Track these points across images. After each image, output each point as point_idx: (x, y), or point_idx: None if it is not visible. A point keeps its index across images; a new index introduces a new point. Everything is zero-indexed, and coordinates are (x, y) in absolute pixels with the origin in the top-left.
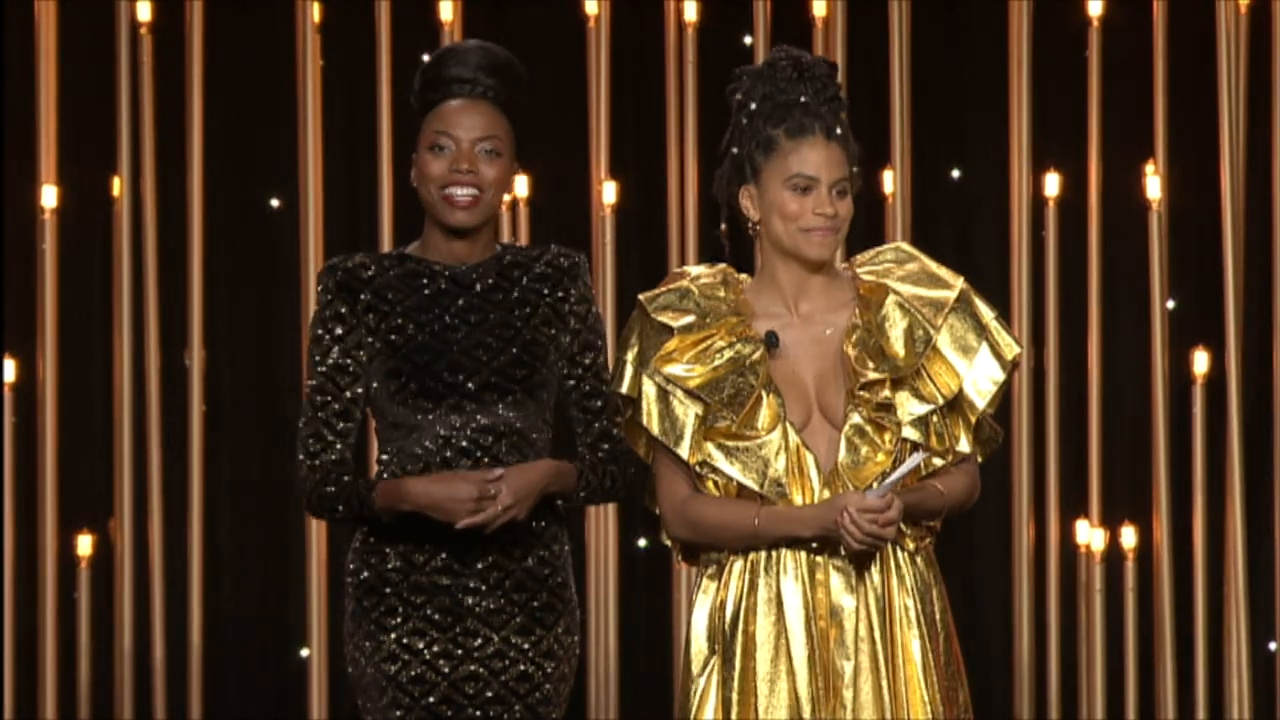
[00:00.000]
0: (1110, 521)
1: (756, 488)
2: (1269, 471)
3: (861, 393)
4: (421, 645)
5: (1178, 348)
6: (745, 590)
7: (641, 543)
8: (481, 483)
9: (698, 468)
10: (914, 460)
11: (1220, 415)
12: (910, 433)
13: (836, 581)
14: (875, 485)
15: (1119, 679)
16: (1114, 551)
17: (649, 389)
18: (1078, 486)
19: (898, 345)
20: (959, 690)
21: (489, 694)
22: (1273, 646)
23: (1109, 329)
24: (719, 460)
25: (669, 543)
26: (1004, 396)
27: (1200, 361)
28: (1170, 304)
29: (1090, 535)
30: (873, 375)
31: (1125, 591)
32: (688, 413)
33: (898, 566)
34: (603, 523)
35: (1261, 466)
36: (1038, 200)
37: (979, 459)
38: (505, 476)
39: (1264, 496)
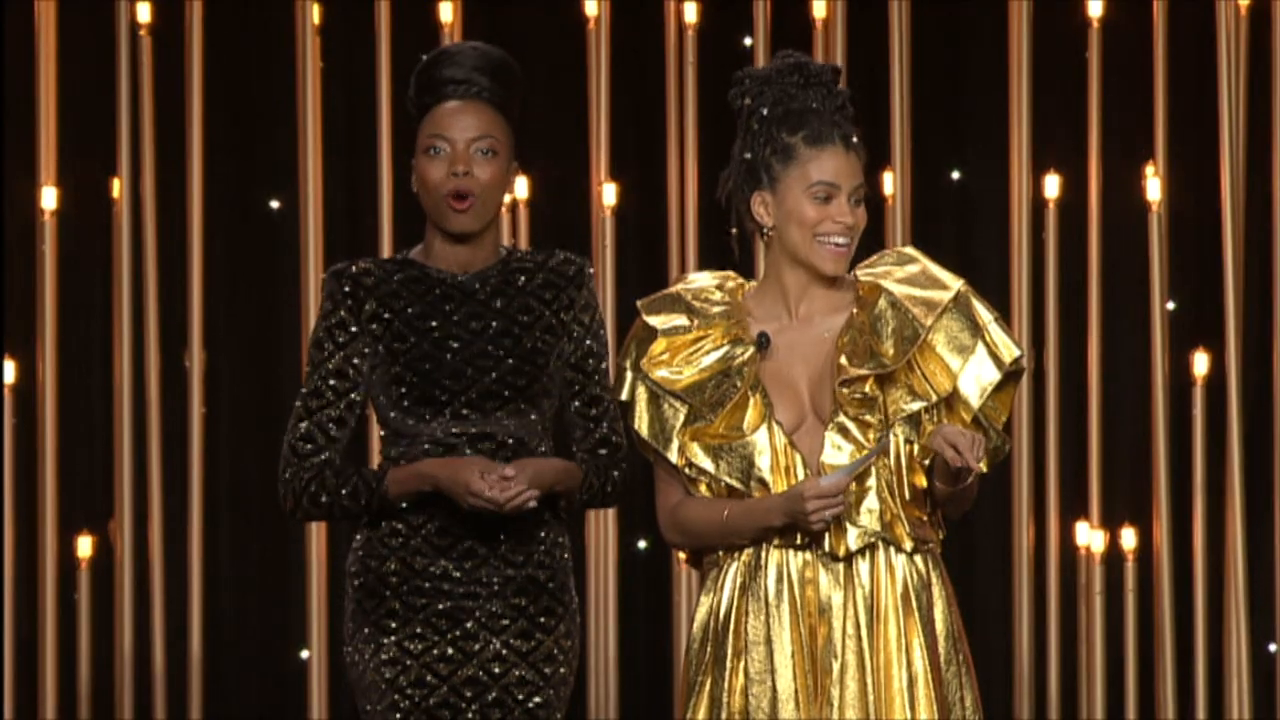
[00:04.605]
0: (1110, 523)
1: (741, 487)
2: (1269, 473)
3: (842, 389)
4: (421, 648)
5: (1178, 349)
6: (738, 591)
7: (641, 544)
8: (486, 468)
9: (686, 469)
10: (878, 448)
11: (1220, 417)
12: (902, 429)
13: (825, 580)
14: (864, 465)
15: (1119, 680)
16: (1114, 553)
17: (641, 392)
18: (1078, 488)
19: (887, 344)
20: (965, 691)
21: (489, 697)
22: (1273, 648)
23: (1109, 330)
24: (703, 461)
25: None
26: None
27: (1200, 363)
28: (1170, 305)
29: (1090, 536)
30: (854, 372)
31: (1125, 593)
32: (676, 415)
33: (890, 565)
34: (603, 524)
35: (1261, 468)
36: (1038, 201)
37: (983, 467)
38: (523, 466)
39: (1264, 498)
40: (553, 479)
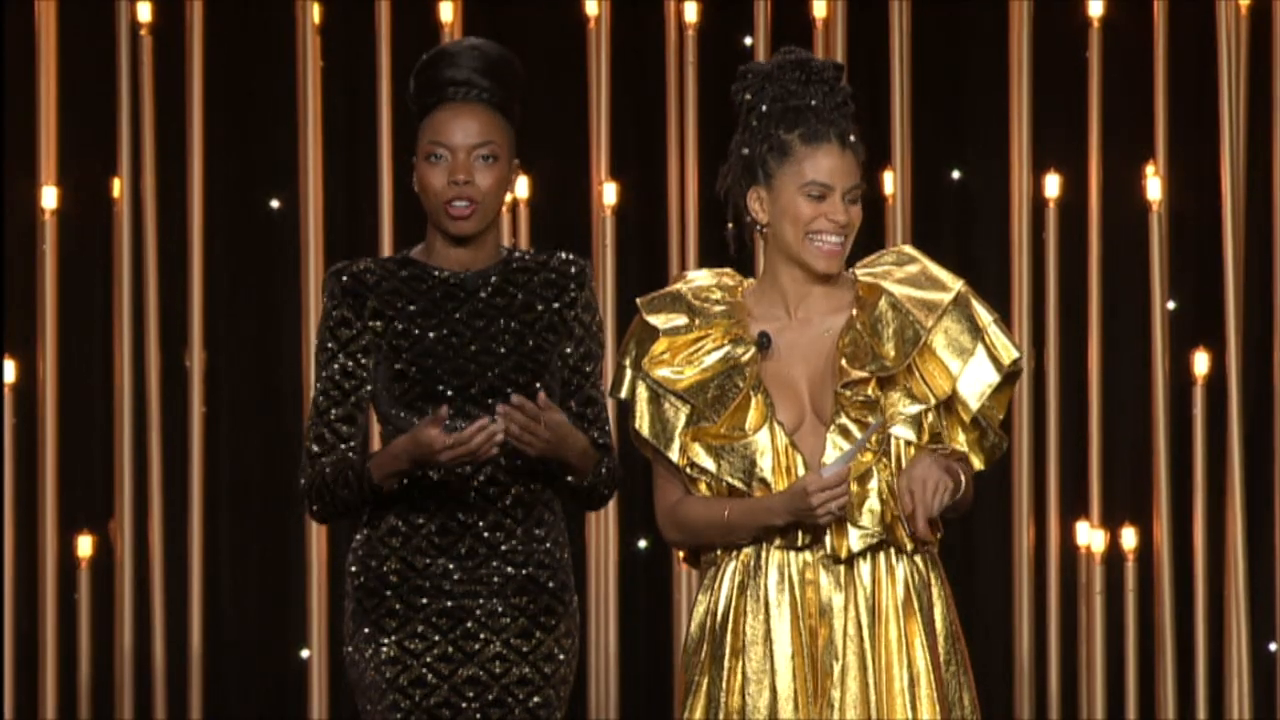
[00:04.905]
0: (1110, 522)
1: (742, 487)
2: (1269, 472)
3: (844, 391)
4: (421, 648)
5: (1178, 349)
6: (736, 591)
7: (641, 544)
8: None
9: (687, 469)
10: (871, 429)
11: (1220, 416)
12: (901, 431)
13: (826, 581)
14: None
15: (1119, 680)
16: (1114, 552)
17: (641, 391)
18: (1078, 488)
19: (888, 345)
20: (963, 691)
21: (489, 697)
22: (1273, 647)
23: (1109, 330)
24: (705, 460)
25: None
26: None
27: (1200, 362)
28: (1170, 305)
29: (1090, 536)
30: (856, 374)
31: (1125, 592)
32: (678, 415)
33: (890, 566)
34: (603, 523)
35: (1262, 467)
36: (1038, 201)
37: (980, 465)
38: (555, 423)
39: (1264, 497)
40: (571, 443)
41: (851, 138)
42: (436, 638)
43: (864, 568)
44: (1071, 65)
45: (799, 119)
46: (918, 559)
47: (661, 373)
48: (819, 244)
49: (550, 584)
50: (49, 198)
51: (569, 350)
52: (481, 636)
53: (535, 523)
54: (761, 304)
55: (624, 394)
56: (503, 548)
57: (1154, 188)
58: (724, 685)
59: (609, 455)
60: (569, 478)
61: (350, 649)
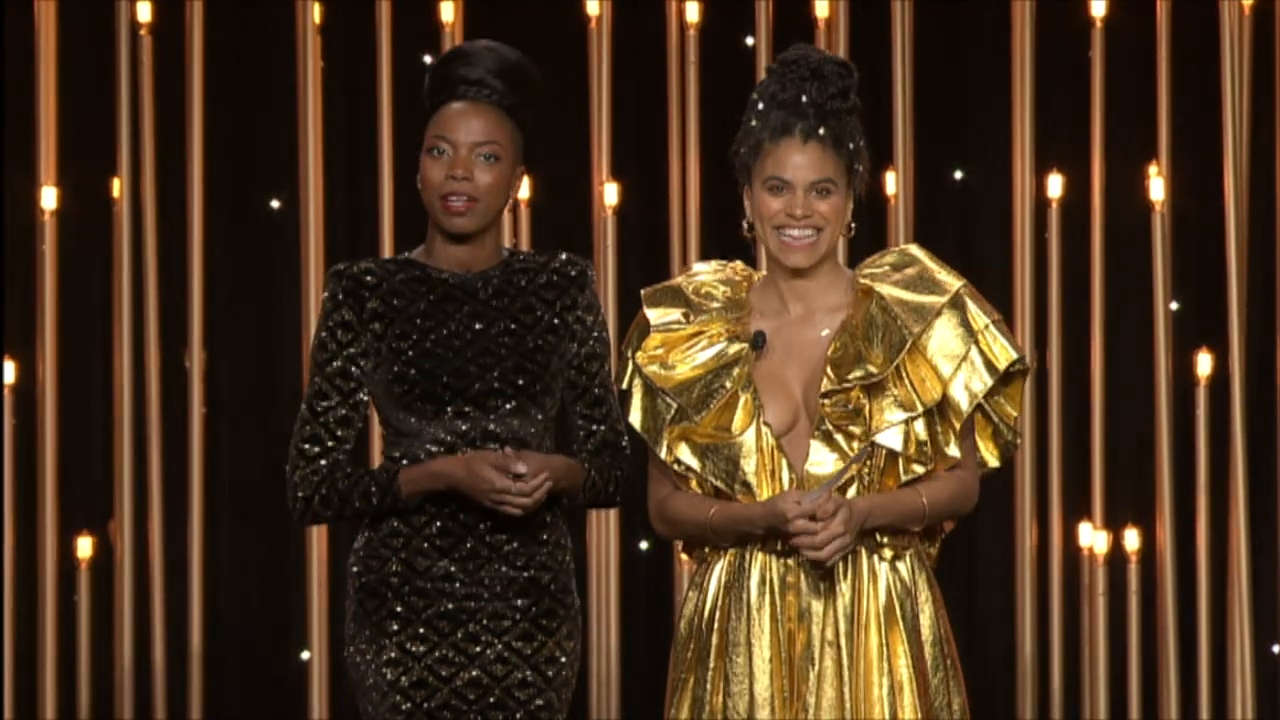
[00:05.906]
0: (1113, 524)
1: (725, 488)
2: (1272, 473)
3: (823, 402)
4: (423, 650)
5: (1181, 349)
6: (722, 591)
7: (643, 545)
8: (503, 466)
9: (674, 466)
10: (854, 460)
11: (1223, 417)
12: (886, 439)
13: (806, 585)
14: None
15: (1122, 681)
16: (1117, 554)
17: (639, 384)
18: (1081, 489)
19: (877, 350)
20: (953, 696)
21: (491, 699)
22: (1276, 649)
23: (1112, 331)
24: (690, 460)
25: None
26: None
27: (1203, 363)
28: (1173, 305)
29: (1093, 537)
30: (835, 385)
31: (1128, 594)
32: (668, 411)
33: (872, 573)
34: (604, 524)
35: (1265, 468)
36: (1040, 202)
37: (995, 462)
38: (527, 458)
39: (1267, 498)
40: (558, 473)
41: (821, 130)
42: (438, 640)
43: (845, 575)
44: (1074, 65)
45: (774, 115)
46: (900, 565)
47: (652, 369)
48: (784, 238)
49: (552, 586)
50: (49, 198)
51: (571, 352)
52: (483, 639)
53: (537, 525)
54: (764, 300)
55: (625, 384)
56: (505, 549)
57: (1157, 188)
58: (708, 685)
59: (621, 453)
60: (563, 500)
61: (352, 651)
